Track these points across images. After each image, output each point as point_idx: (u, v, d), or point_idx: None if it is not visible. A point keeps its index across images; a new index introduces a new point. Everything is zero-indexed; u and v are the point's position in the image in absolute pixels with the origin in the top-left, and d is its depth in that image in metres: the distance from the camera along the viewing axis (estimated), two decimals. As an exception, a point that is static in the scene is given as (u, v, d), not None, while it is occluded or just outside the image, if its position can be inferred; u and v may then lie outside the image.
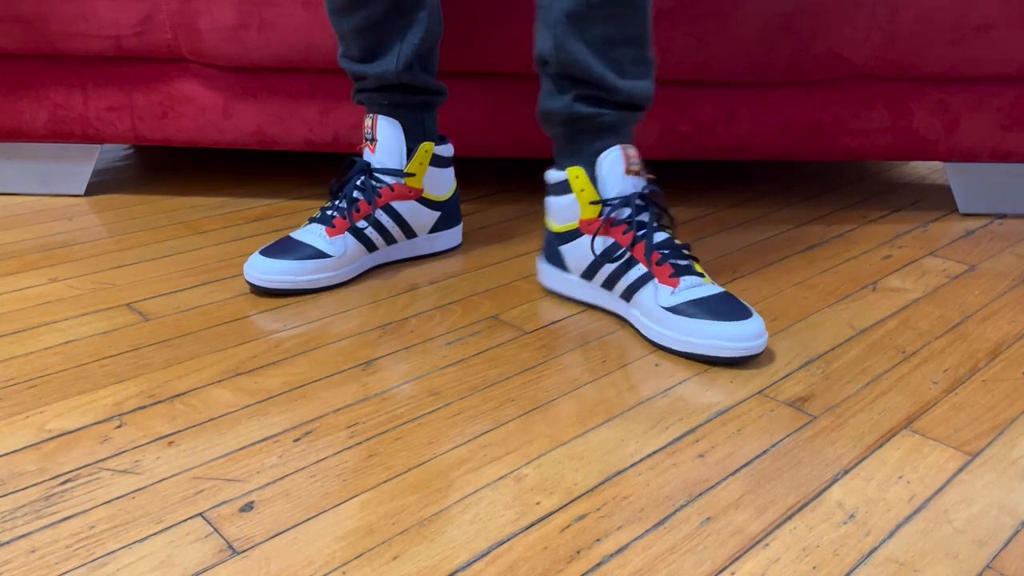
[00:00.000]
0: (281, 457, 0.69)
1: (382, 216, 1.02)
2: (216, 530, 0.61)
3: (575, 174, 0.91)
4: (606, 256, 0.91)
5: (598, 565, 0.58)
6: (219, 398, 0.77)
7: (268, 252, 0.97)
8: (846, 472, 0.68)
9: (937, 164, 1.54)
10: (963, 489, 0.66)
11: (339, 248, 0.98)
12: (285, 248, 0.97)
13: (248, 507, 0.63)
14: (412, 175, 1.03)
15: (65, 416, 0.74)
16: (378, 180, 1.02)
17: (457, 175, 1.44)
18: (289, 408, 0.76)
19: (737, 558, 0.59)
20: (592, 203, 0.91)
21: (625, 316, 0.92)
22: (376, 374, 0.81)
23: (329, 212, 1.01)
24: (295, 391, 0.78)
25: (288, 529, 0.61)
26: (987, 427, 0.74)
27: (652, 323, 0.87)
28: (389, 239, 1.04)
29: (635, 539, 0.60)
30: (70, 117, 1.24)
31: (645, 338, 0.88)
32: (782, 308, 0.96)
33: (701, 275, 0.88)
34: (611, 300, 0.93)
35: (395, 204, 1.03)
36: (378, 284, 1.01)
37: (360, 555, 0.59)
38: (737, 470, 0.68)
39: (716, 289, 0.87)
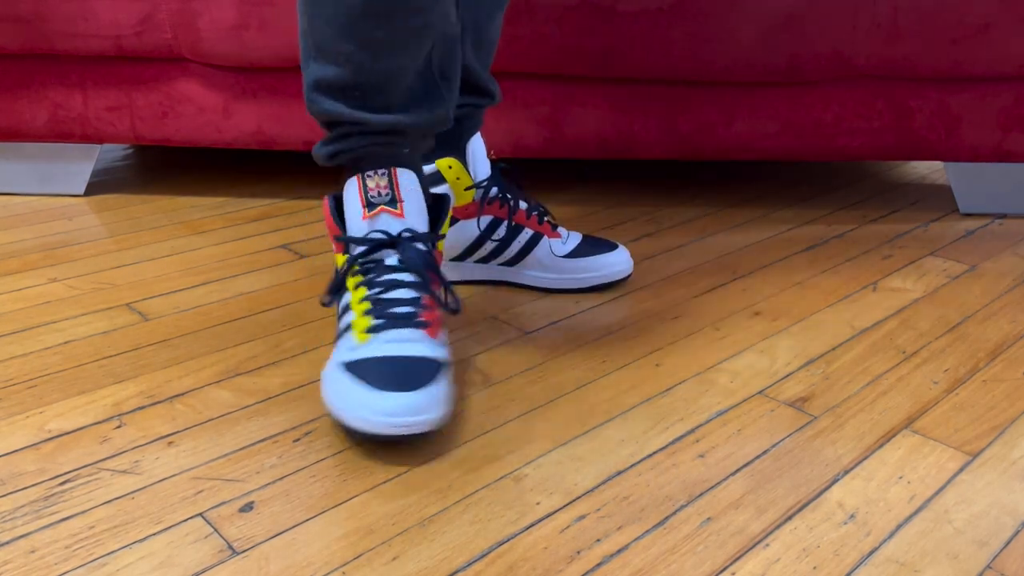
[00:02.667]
0: (281, 457, 0.69)
1: None
2: (216, 530, 0.61)
3: (448, 164, 0.93)
4: (490, 232, 0.97)
5: (598, 565, 0.58)
6: (219, 398, 0.77)
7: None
8: (846, 472, 0.68)
9: (937, 164, 1.54)
10: (963, 489, 0.66)
11: None
12: None
13: (248, 507, 0.63)
14: None
15: (65, 416, 0.74)
16: None
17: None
18: (289, 408, 0.75)
19: (737, 558, 0.59)
20: (467, 189, 0.95)
21: (511, 279, 1.00)
22: (376, 374, 0.81)
23: None
24: (295, 391, 0.78)
25: (288, 529, 0.61)
26: (987, 427, 0.74)
27: (548, 273, 0.98)
28: None
29: (635, 539, 0.60)
30: (70, 117, 1.24)
31: (537, 289, 0.99)
32: (782, 308, 0.96)
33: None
34: (489, 271, 1.00)
35: None
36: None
37: (360, 555, 0.59)
38: (737, 470, 0.68)
39: (579, 235, 1.01)
